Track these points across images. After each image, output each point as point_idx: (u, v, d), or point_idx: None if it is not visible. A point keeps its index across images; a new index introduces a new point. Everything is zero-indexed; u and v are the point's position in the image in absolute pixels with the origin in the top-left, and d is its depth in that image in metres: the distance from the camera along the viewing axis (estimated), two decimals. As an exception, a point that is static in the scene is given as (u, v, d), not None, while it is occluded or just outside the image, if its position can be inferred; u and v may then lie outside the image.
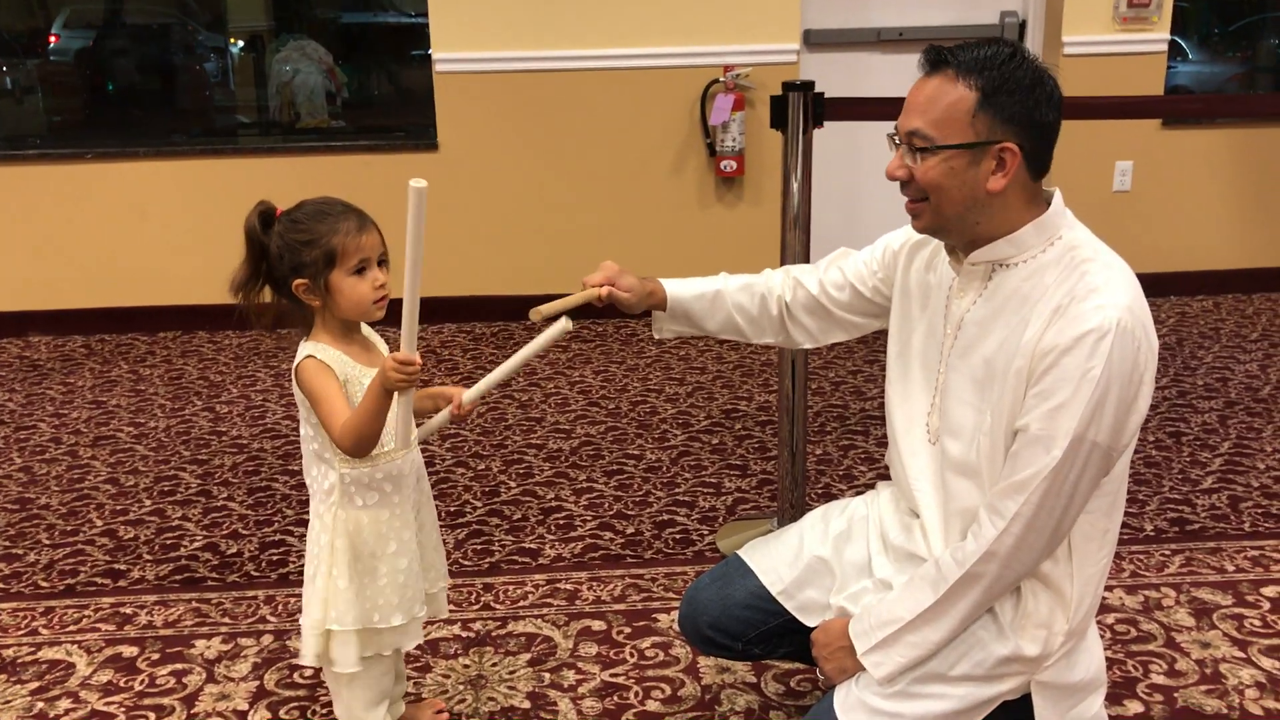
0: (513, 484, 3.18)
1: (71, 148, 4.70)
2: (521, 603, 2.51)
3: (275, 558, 2.76)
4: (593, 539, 2.83)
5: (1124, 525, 2.68)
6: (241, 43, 5.39)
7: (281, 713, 2.13)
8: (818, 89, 2.52)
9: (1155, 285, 4.83)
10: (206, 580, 2.66)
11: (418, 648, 2.30)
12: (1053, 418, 1.42)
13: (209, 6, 5.39)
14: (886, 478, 1.82)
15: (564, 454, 3.40)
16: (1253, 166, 4.97)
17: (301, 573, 2.62)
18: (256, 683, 2.23)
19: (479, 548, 2.79)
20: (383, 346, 1.84)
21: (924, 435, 1.67)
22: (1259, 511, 2.90)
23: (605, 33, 4.58)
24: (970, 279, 1.59)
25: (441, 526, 2.88)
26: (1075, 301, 1.44)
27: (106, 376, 4.23)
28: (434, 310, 4.75)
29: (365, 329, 1.83)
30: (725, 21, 4.59)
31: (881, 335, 1.82)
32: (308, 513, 1.84)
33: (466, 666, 2.27)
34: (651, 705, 2.12)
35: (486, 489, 3.15)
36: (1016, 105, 1.45)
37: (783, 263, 2.57)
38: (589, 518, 2.95)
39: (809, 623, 1.74)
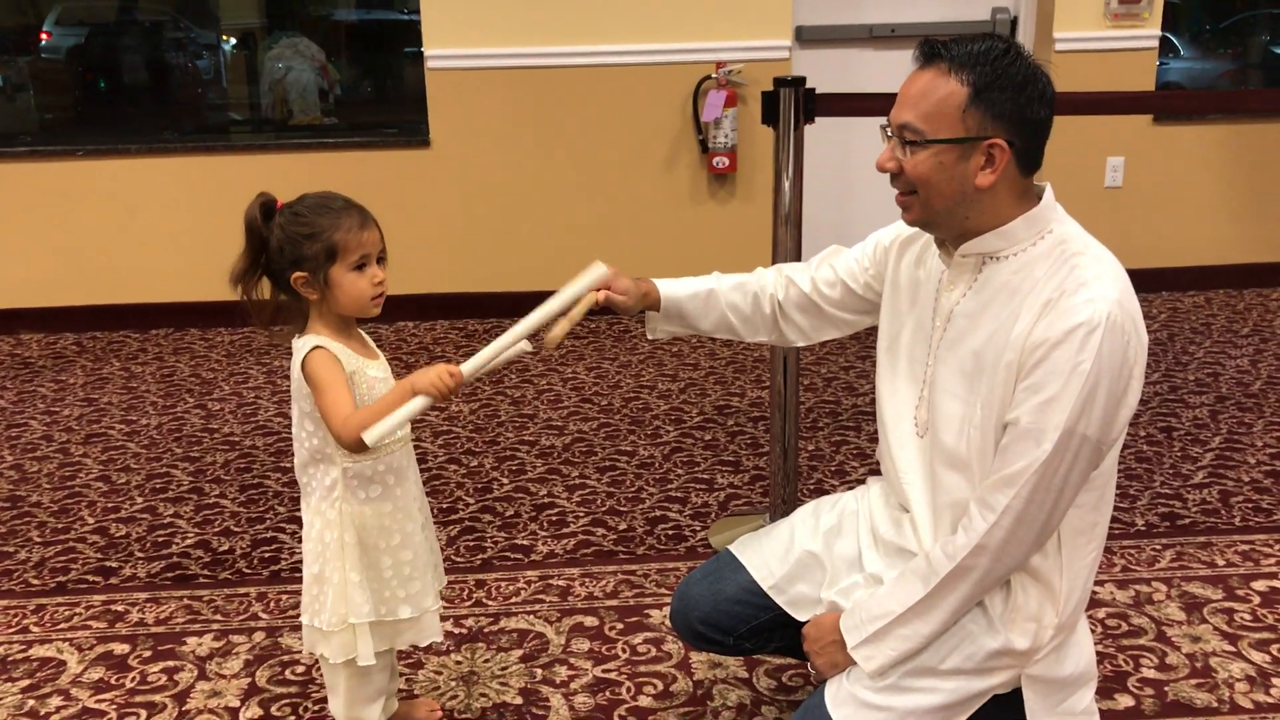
0: (505, 480, 3.18)
1: (63, 145, 4.68)
2: (514, 599, 2.51)
3: (267, 555, 2.76)
4: (585, 535, 2.83)
5: (1115, 520, 2.69)
6: (234, 40, 5.39)
7: (273, 709, 2.13)
8: (809, 85, 2.52)
9: (1147, 281, 4.85)
10: (198, 577, 2.66)
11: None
12: (1043, 411, 1.43)
13: (201, 3, 5.38)
14: (878, 473, 1.83)
15: (556, 450, 3.40)
16: (1244, 162, 4.98)
17: (294, 570, 2.64)
18: (248, 680, 2.23)
19: (471, 544, 2.79)
20: (368, 338, 1.84)
21: (912, 428, 1.67)
22: (1249, 506, 2.91)
23: (597, 29, 4.58)
24: (960, 271, 1.59)
25: (435, 523, 2.89)
26: (1065, 295, 1.44)
27: (98, 374, 4.23)
28: (426, 306, 4.75)
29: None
30: (717, 18, 4.59)
31: (874, 331, 1.82)
32: (299, 510, 1.84)
33: (459, 663, 2.27)
34: (644, 701, 2.12)
35: (479, 485, 3.15)
36: (1008, 102, 1.46)
37: (774, 259, 2.58)
38: (581, 514, 2.95)
39: (800, 617, 1.74)
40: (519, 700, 2.14)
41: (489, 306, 4.82)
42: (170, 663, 2.29)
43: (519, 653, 2.30)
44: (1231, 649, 2.26)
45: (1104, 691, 2.11)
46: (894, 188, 1.56)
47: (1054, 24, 4.69)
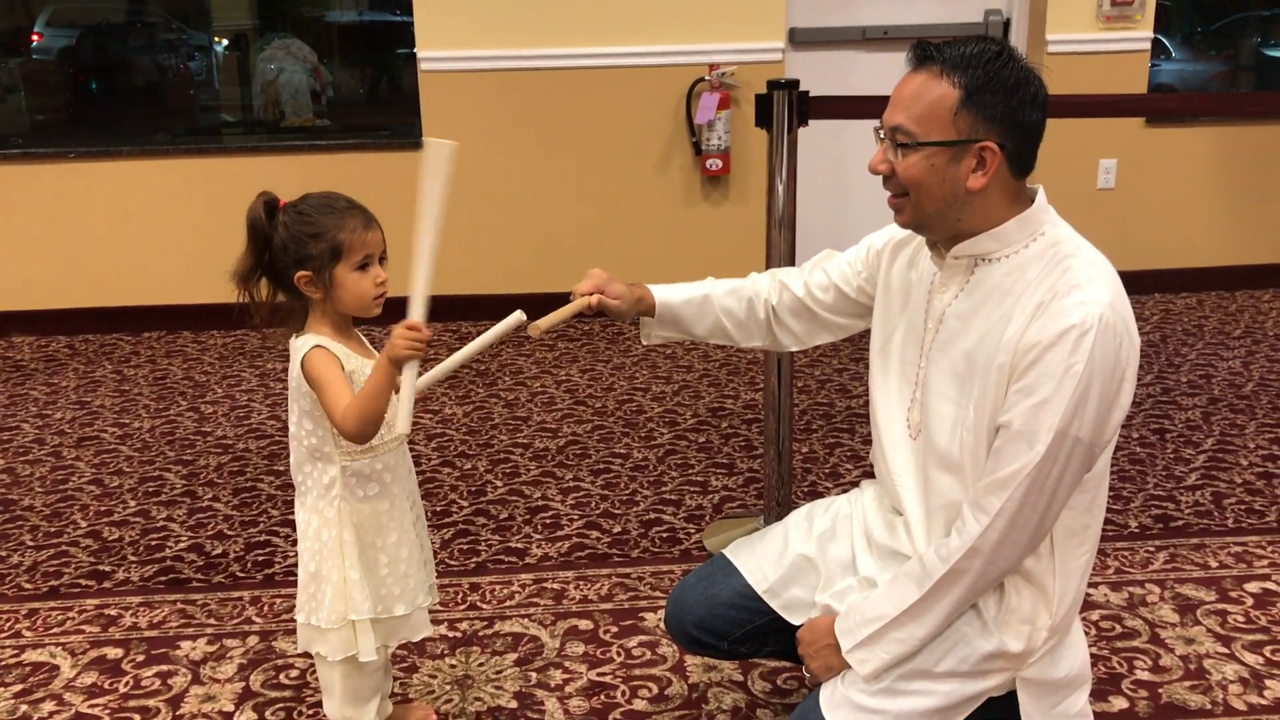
0: (499, 483, 3.18)
1: (55, 147, 4.67)
2: (508, 602, 2.51)
3: (260, 558, 2.75)
4: (579, 538, 2.83)
5: (1109, 522, 2.69)
6: (226, 41, 5.38)
7: (268, 713, 2.12)
8: (803, 87, 2.52)
9: (1139, 282, 4.87)
10: (191, 581, 2.65)
11: (402, 647, 2.30)
12: (1035, 414, 1.43)
13: (193, 5, 5.37)
14: (872, 475, 1.83)
15: (551, 453, 3.39)
16: (1236, 164, 5.00)
17: (288, 573, 2.64)
18: (242, 684, 2.22)
19: (465, 547, 2.79)
20: (368, 345, 1.85)
21: (905, 430, 1.67)
22: (1242, 508, 2.92)
23: (590, 31, 4.58)
24: (952, 273, 1.59)
25: (428, 526, 2.89)
26: (1058, 298, 1.44)
27: (90, 377, 4.21)
28: (420, 309, 4.74)
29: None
30: (710, 20, 4.59)
31: (867, 333, 1.82)
32: (294, 513, 1.83)
33: (453, 666, 2.27)
34: (638, 704, 2.12)
35: (473, 488, 3.15)
36: (999, 105, 1.46)
37: (768, 261, 2.58)
38: (576, 517, 2.95)
39: (794, 621, 1.74)
40: (514, 704, 2.14)
41: (482, 309, 4.82)
42: (164, 667, 2.29)
43: (513, 656, 2.29)
44: (1225, 651, 2.26)
45: (1098, 693, 2.11)
46: (886, 190, 1.57)
47: (1046, 26, 4.70)
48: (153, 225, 4.68)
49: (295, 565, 1.83)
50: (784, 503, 2.75)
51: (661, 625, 2.36)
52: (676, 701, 2.13)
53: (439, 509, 3.01)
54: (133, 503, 3.09)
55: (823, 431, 3.55)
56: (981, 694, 1.58)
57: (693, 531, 2.86)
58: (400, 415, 1.63)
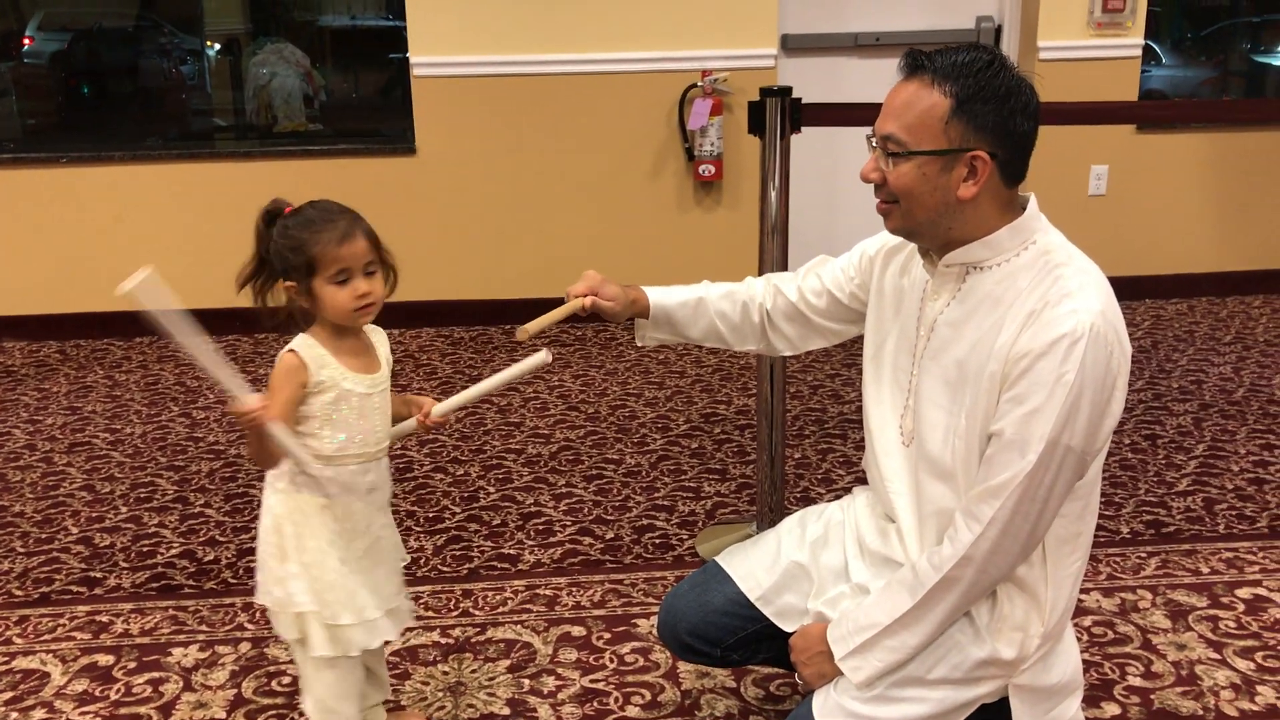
0: (491, 489, 3.18)
1: (46, 151, 4.66)
2: (501, 609, 2.51)
3: (252, 564, 2.73)
4: (572, 544, 2.83)
5: (1100, 528, 2.70)
6: (218, 46, 5.37)
7: (259, 721, 2.12)
8: (795, 94, 2.52)
9: (1130, 288, 4.88)
10: (183, 587, 2.64)
11: (396, 654, 2.30)
12: (1027, 422, 1.43)
13: (186, 9, 5.36)
14: (865, 482, 1.83)
15: (543, 459, 3.39)
16: (1226, 170, 5.02)
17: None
18: (234, 691, 2.22)
19: (458, 554, 2.78)
20: (383, 346, 1.83)
21: (897, 437, 1.68)
22: (1233, 514, 2.93)
23: (583, 37, 4.58)
24: (944, 281, 1.60)
25: (420, 532, 2.89)
26: (1049, 306, 1.45)
27: (82, 382, 4.20)
28: (412, 315, 4.74)
29: (370, 328, 1.82)
30: (703, 26, 4.60)
31: (860, 339, 1.83)
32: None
33: (446, 673, 2.26)
34: (632, 711, 2.12)
35: (465, 494, 3.14)
36: (991, 114, 1.46)
37: (761, 267, 2.58)
38: (568, 523, 2.95)
39: (787, 628, 1.74)
40: (506, 711, 2.14)
41: (475, 314, 4.81)
42: (155, 674, 2.28)
43: (506, 663, 2.29)
44: (1216, 656, 2.27)
45: (1090, 700, 2.12)
46: (877, 197, 1.57)
47: (1038, 33, 4.71)
48: (145, 230, 4.67)
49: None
50: (777, 508, 2.75)
51: (654, 632, 2.36)
52: (670, 708, 2.13)
53: (431, 515, 3.01)
54: (124, 509, 3.09)
55: (815, 437, 3.55)
56: (974, 701, 1.59)
57: (685, 537, 2.86)
58: (290, 455, 1.68)
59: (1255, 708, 2.10)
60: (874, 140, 1.55)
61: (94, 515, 3.05)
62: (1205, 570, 2.63)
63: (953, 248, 1.56)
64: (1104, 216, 4.97)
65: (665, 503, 3.07)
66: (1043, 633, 1.57)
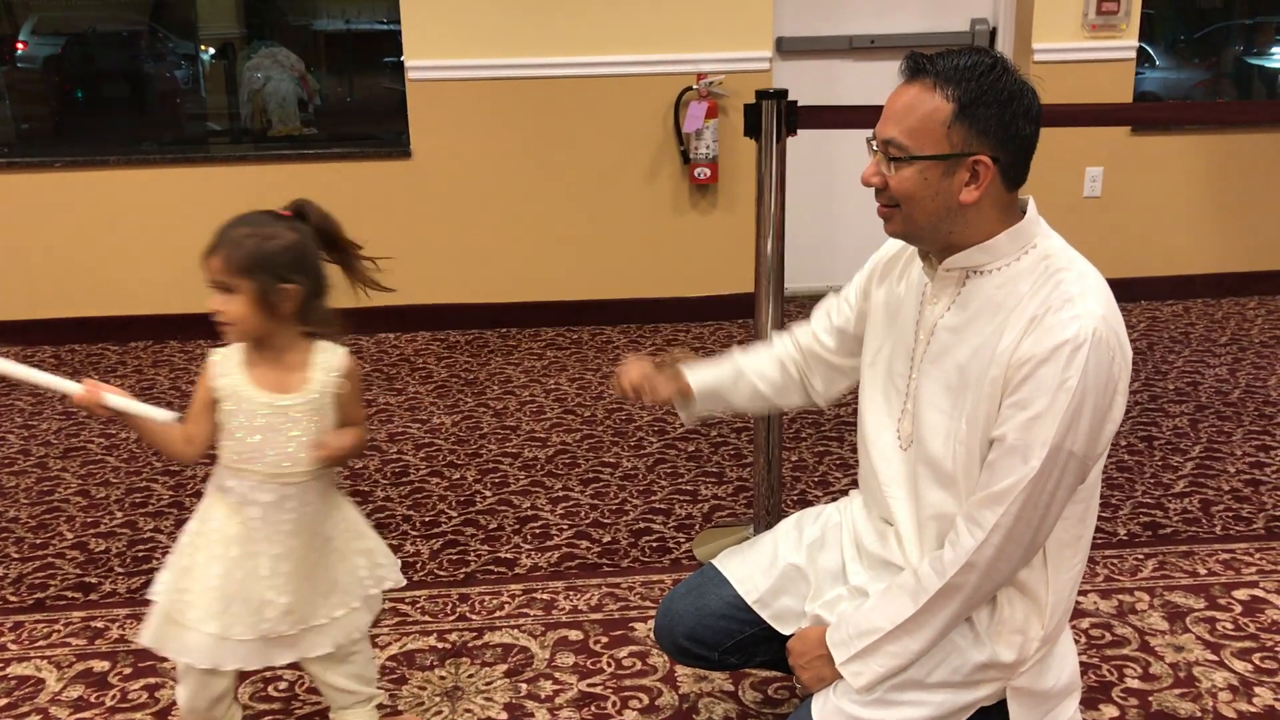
0: (488, 493, 3.17)
1: (40, 156, 4.65)
2: (498, 613, 2.50)
3: (249, 569, 2.73)
4: (569, 548, 2.82)
5: (1097, 530, 2.70)
6: (212, 50, 5.36)
7: (256, 727, 2.12)
8: (790, 96, 2.52)
9: (1126, 290, 4.88)
10: (179, 593, 2.63)
11: (392, 659, 2.29)
12: (1030, 428, 1.43)
13: (180, 13, 5.35)
14: (861, 485, 1.83)
15: (540, 462, 3.39)
16: (1221, 172, 5.03)
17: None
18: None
19: (454, 558, 2.78)
20: (332, 360, 1.79)
21: (895, 441, 1.67)
22: (1230, 515, 2.93)
23: (578, 40, 4.58)
24: (943, 285, 1.59)
25: (416, 536, 2.88)
26: (1051, 312, 1.45)
27: (76, 387, 4.18)
28: (408, 318, 4.74)
29: (325, 345, 1.79)
30: (698, 29, 4.60)
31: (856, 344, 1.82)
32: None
33: (443, 678, 2.26)
34: (629, 715, 2.12)
35: (461, 498, 3.14)
36: (993, 118, 1.46)
37: (757, 271, 2.59)
38: (565, 526, 2.95)
39: (785, 631, 1.74)
40: (504, 715, 2.13)
41: (470, 318, 4.81)
42: (151, 679, 2.27)
43: (503, 667, 2.29)
44: (1214, 658, 2.27)
45: (1088, 702, 2.11)
46: (878, 201, 1.57)
47: (1033, 35, 4.72)
48: (139, 235, 4.66)
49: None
50: (773, 511, 2.75)
51: (652, 635, 2.36)
52: (667, 712, 2.12)
53: (427, 519, 3.00)
54: (119, 514, 3.08)
55: (812, 440, 3.55)
56: (973, 704, 1.59)
57: (682, 541, 2.85)
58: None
59: (1253, 709, 2.10)
60: (875, 144, 1.54)
61: (89, 520, 3.04)
62: (1202, 571, 2.63)
63: (953, 251, 1.56)
64: (1099, 218, 4.98)
65: (662, 506, 3.07)
66: (1042, 635, 1.57)
